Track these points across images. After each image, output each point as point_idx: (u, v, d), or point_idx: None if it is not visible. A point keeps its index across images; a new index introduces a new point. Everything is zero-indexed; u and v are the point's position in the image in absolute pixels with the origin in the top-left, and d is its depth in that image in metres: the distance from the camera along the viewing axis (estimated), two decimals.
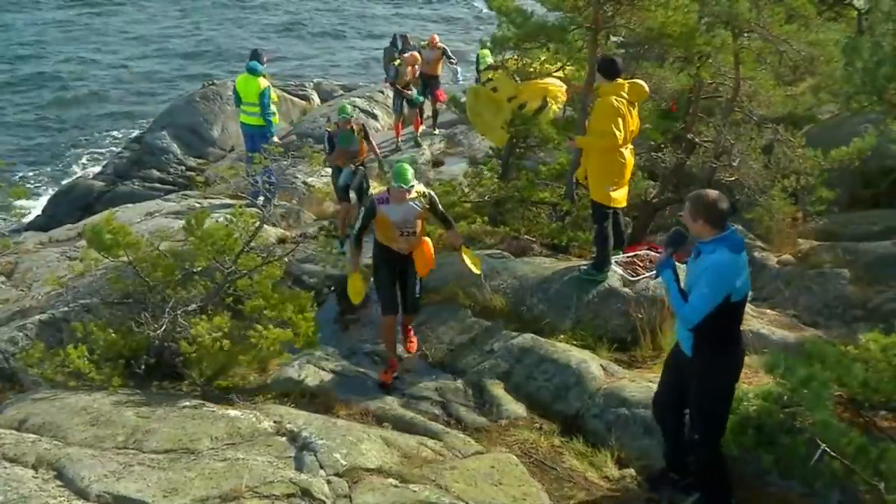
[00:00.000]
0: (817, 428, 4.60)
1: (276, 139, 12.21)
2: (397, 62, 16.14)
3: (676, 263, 5.19)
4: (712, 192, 5.05)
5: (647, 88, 8.10)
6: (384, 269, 7.45)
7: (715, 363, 5.06)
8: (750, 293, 8.92)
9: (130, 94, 29.41)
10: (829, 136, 11.13)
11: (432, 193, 7.35)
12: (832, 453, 4.66)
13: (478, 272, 7.72)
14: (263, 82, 12.05)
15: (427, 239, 7.48)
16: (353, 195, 10.71)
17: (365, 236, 7.40)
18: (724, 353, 5.08)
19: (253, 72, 12.13)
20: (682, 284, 5.11)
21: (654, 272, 5.78)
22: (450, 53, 16.85)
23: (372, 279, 7.90)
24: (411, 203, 7.09)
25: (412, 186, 7.01)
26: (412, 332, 7.91)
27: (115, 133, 25.74)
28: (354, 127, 10.50)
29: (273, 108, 12.24)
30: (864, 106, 7.38)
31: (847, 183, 10.61)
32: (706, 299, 4.80)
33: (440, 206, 7.39)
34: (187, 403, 6.31)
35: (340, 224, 11.02)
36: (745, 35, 9.78)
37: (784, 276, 9.27)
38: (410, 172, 7.02)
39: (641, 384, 6.73)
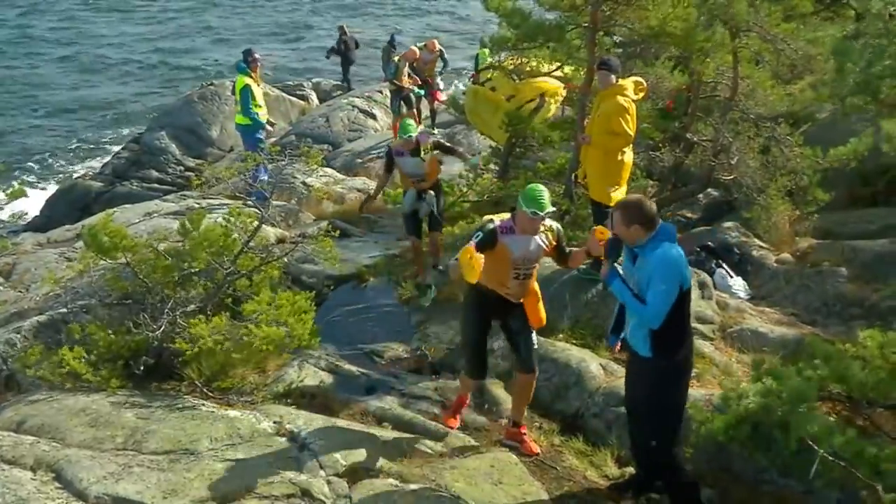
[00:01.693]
0: (798, 423, 4.60)
1: (268, 128, 12.21)
2: (396, 58, 16.18)
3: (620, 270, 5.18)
4: (637, 197, 5.18)
5: (645, 84, 8.14)
6: (476, 318, 5.93)
7: (674, 361, 5.09)
8: (750, 291, 9.06)
9: (129, 95, 29.45)
10: (826, 134, 11.13)
11: (559, 227, 5.86)
12: (830, 457, 4.65)
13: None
14: (245, 80, 12.07)
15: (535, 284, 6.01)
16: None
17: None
18: (681, 348, 5.10)
19: (239, 70, 12.18)
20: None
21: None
22: (445, 57, 16.94)
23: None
24: (538, 238, 5.69)
25: (549, 214, 5.57)
26: (525, 431, 6.28)
27: (113, 133, 25.76)
28: (422, 146, 8.78)
29: (256, 106, 12.19)
30: (860, 107, 7.37)
31: (845, 181, 10.61)
32: (665, 295, 4.82)
33: (565, 242, 5.90)
34: (186, 404, 6.31)
35: (416, 264, 9.34)
36: (744, 34, 9.79)
37: (782, 274, 9.28)
38: (547, 195, 5.55)
39: None
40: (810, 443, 4.66)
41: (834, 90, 8.08)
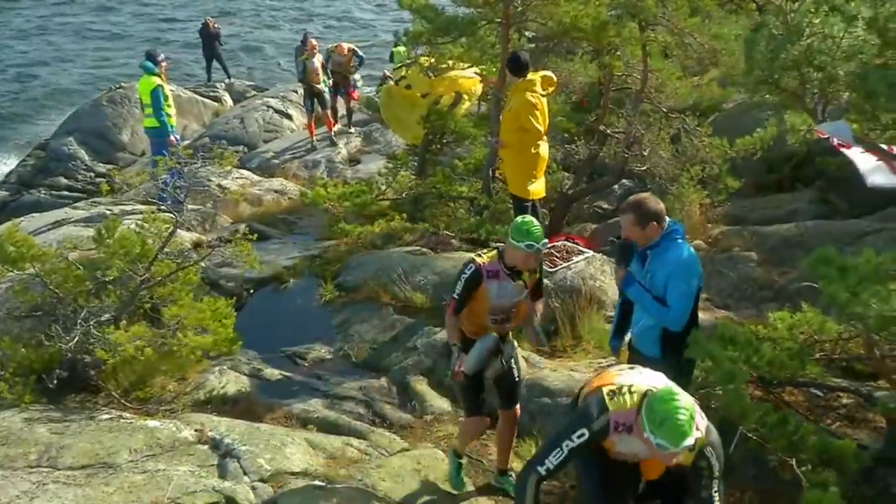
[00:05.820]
0: (729, 401, 4.72)
1: (173, 139, 11.84)
2: (303, 57, 16.12)
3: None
4: (647, 196, 4.84)
5: (555, 79, 8.26)
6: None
7: (683, 359, 4.83)
8: None
9: (33, 99, 28.40)
10: (733, 124, 11.48)
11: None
12: (748, 434, 4.78)
13: None
14: (155, 81, 11.71)
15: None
16: None
17: None
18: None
19: (147, 71, 11.83)
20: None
21: (619, 292, 5.18)
22: (360, 53, 16.88)
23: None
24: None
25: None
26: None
27: (18, 140, 24.82)
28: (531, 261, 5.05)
29: (171, 109, 11.87)
30: (765, 96, 7.64)
31: (753, 169, 10.96)
32: (687, 296, 4.66)
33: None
34: (104, 416, 6.16)
35: (461, 442, 5.77)
36: (652, 28, 10.00)
37: None
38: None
39: (563, 374, 6.83)
40: (728, 416, 4.81)
41: (744, 80, 8.35)
